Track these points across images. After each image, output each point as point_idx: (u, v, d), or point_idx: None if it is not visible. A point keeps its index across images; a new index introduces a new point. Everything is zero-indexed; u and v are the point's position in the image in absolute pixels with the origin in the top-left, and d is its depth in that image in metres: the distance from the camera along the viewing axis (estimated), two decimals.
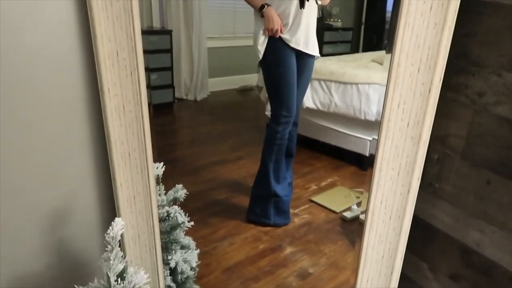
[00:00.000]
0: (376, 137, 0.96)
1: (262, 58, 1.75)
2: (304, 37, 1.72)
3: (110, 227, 0.94)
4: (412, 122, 0.93)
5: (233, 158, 2.59)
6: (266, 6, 1.67)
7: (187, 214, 1.23)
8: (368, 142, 2.35)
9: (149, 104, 1.03)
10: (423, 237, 1.13)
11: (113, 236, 0.94)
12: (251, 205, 1.93)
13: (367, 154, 2.36)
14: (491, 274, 0.99)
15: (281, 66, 1.75)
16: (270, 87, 1.81)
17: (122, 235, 1.09)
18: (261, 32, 1.71)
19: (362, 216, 1.07)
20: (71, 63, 1.00)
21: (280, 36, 1.69)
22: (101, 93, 0.97)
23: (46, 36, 0.95)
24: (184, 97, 3.71)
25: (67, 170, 1.08)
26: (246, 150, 2.53)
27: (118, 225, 0.96)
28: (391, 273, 1.06)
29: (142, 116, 1.01)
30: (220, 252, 1.67)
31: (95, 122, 1.08)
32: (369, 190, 1.00)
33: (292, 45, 1.71)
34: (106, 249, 0.93)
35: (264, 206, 1.89)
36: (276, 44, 1.71)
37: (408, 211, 1.00)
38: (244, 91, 4.17)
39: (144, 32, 3.16)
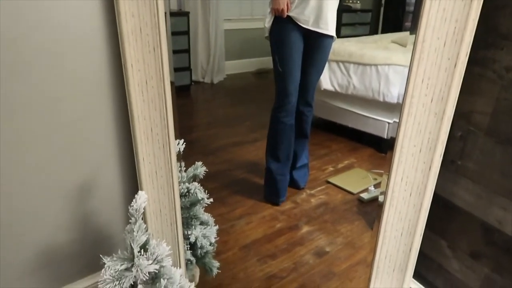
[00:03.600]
0: (397, 120, 0.96)
1: (269, 36, 1.73)
2: (314, 15, 1.66)
3: (134, 200, 0.97)
4: (436, 97, 0.92)
5: (250, 140, 2.60)
6: None
7: (206, 191, 1.25)
8: (387, 125, 2.32)
9: (172, 83, 1.04)
10: (443, 215, 1.12)
11: (137, 209, 0.96)
12: (265, 188, 1.95)
13: (385, 137, 2.34)
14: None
15: (284, 45, 1.71)
16: (274, 65, 1.78)
17: (144, 209, 1.11)
18: (269, 9, 1.69)
19: (381, 198, 1.07)
20: (96, 39, 1.02)
21: (287, 15, 1.66)
22: (124, 69, 0.98)
23: (73, 13, 0.96)
24: (201, 80, 3.72)
25: (92, 145, 1.11)
26: (262, 132, 2.52)
27: (142, 198, 0.98)
28: (410, 250, 1.06)
29: (165, 92, 1.02)
30: (238, 230, 1.70)
31: (119, 98, 1.10)
32: (389, 167, 1.00)
33: (300, 23, 1.67)
34: (130, 221, 0.96)
35: (275, 187, 1.90)
36: (281, 23, 1.67)
37: (429, 188, 0.99)
38: (261, 73, 4.16)
39: None
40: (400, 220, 1.04)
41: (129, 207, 0.95)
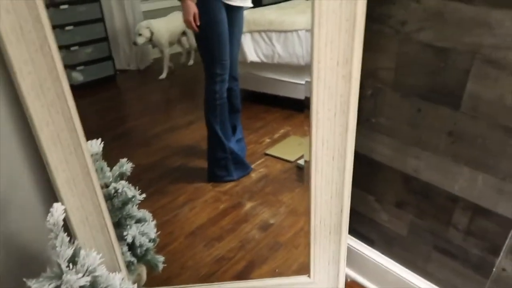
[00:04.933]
0: (309, 80, 0.95)
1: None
2: None
3: (49, 214, 0.90)
4: (342, 60, 0.92)
5: (185, 123, 2.54)
6: None
7: (137, 187, 1.20)
8: None
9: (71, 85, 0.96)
10: (366, 171, 1.17)
11: (54, 223, 0.90)
12: (210, 168, 1.92)
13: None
14: (429, 196, 1.04)
15: (211, 23, 1.68)
16: (202, 46, 1.75)
17: (68, 219, 1.05)
18: None
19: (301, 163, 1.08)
20: None
21: None
22: (12, 73, 0.88)
23: None
24: (126, 68, 3.52)
25: None
26: (197, 113, 2.46)
27: (58, 211, 0.92)
28: (341, 211, 1.09)
29: (64, 91, 0.94)
30: (182, 219, 1.67)
31: (15, 107, 1.00)
32: (309, 134, 1.01)
33: (225, 1, 1.64)
34: (50, 236, 0.89)
35: (224, 166, 1.89)
36: (203, 4, 1.64)
37: (349, 149, 1.02)
38: (189, 52, 4.03)
39: (69, 2, 2.91)
40: (328, 183, 1.07)
41: (46, 222, 0.89)
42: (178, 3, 1.68)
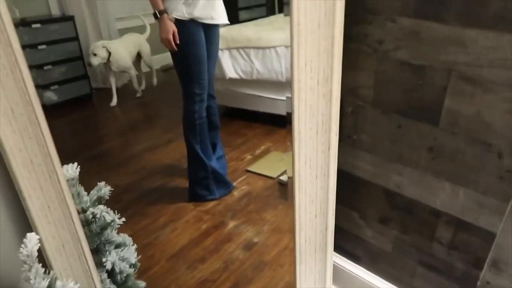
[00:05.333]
0: (289, 95, 0.95)
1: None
2: (205, 8, 1.65)
3: (23, 245, 0.86)
4: (322, 79, 0.93)
5: (164, 142, 2.50)
6: (160, 14, 1.60)
7: (115, 211, 1.16)
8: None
9: (44, 105, 0.93)
10: (350, 188, 1.17)
11: (28, 254, 0.86)
12: (191, 188, 1.89)
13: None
14: (412, 211, 1.05)
15: (188, 43, 1.68)
16: (179, 66, 1.74)
17: (44, 249, 1.00)
18: None
19: (284, 178, 1.07)
20: None
21: (178, 19, 1.62)
22: None
23: None
24: (102, 86, 3.48)
25: None
26: (176, 131, 2.44)
27: (32, 241, 0.88)
28: (326, 229, 1.08)
29: (36, 116, 0.90)
30: (163, 241, 1.63)
31: None
32: (292, 153, 1.00)
33: (199, 20, 1.64)
34: (23, 268, 0.85)
35: (206, 185, 1.87)
36: (180, 25, 1.63)
37: (332, 167, 1.01)
38: (167, 70, 4.00)
39: (42, 21, 2.87)
40: (312, 202, 1.06)
41: (19, 254, 0.84)
42: (153, 20, 1.67)
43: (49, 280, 0.87)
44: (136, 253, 1.23)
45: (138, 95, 3.25)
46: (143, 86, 3.45)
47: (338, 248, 1.27)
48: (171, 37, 1.62)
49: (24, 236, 1.08)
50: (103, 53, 3.02)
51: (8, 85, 0.86)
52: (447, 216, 0.98)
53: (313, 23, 0.87)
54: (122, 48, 3.17)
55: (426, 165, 0.97)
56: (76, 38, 3.26)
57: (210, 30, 1.74)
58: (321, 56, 0.90)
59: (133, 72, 3.22)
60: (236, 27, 2.70)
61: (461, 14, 0.81)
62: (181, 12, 1.62)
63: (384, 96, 0.99)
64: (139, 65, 3.46)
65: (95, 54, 3.01)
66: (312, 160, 1.01)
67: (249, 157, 2.24)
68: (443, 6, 0.83)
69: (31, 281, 0.85)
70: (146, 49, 3.41)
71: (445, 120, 0.90)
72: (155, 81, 3.53)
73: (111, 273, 1.18)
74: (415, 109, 0.94)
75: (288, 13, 0.88)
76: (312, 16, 0.86)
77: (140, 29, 3.59)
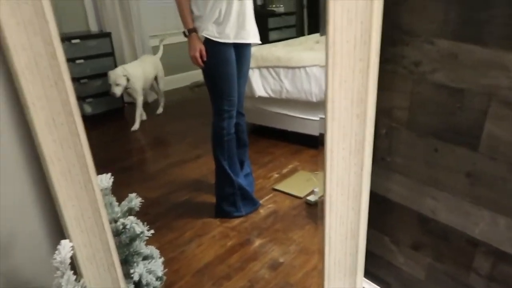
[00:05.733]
0: (323, 116, 0.95)
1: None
2: (236, 28, 1.69)
3: (57, 251, 0.88)
4: (356, 99, 0.92)
5: (192, 157, 2.53)
6: (189, 33, 1.67)
7: (145, 223, 1.17)
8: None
9: (84, 116, 0.96)
10: (382, 211, 1.14)
11: (61, 260, 0.87)
12: (218, 204, 1.89)
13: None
14: (448, 238, 1.01)
15: (219, 61, 1.71)
16: (210, 83, 1.77)
17: (75, 256, 1.02)
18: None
19: (313, 199, 1.06)
20: None
21: (209, 38, 1.66)
22: (25, 108, 0.89)
23: None
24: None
25: (4, 197, 1.00)
26: (204, 147, 2.48)
27: (66, 248, 0.90)
28: (356, 252, 1.06)
29: (76, 127, 0.94)
30: (189, 255, 1.63)
31: (26, 141, 0.99)
32: (323, 173, 0.99)
33: (223, 40, 1.68)
34: (56, 275, 0.87)
35: (232, 202, 1.87)
36: (210, 43, 1.68)
37: (364, 188, 1.00)
38: (197, 87, 4.09)
39: (81, 37, 3.01)
40: (342, 224, 1.04)
41: (52, 260, 0.86)
42: (184, 38, 1.72)
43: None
44: (162, 267, 1.24)
45: (134, 128, 3.07)
46: (160, 109, 3.42)
47: (368, 273, 1.23)
48: (198, 55, 1.67)
49: (56, 243, 1.11)
50: (124, 81, 2.97)
51: (52, 96, 0.90)
52: (486, 246, 0.94)
53: (348, 44, 0.87)
54: (139, 72, 3.13)
55: (463, 190, 0.94)
56: (112, 54, 3.40)
57: (241, 49, 1.77)
58: (356, 77, 0.90)
59: (140, 100, 3.11)
60: (267, 46, 2.74)
61: (502, 38, 0.80)
62: (211, 31, 1.66)
63: (419, 118, 0.97)
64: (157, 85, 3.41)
65: (117, 84, 2.96)
66: (344, 181, 1.00)
67: (276, 175, 2.23)
68: (483, 29, 0.82)
69: (62, 287, 0.86)
70: (161, 71, 3.39)
71: (485, 145, 0.87)
72: (160, 110, 3.44)
73: (138, 285, 1.19)
74: (453, 132, 0.92)
75: (324, 33, 0.88)
76: (348, 36, 0.86)
77: (173, 47, 3.70)
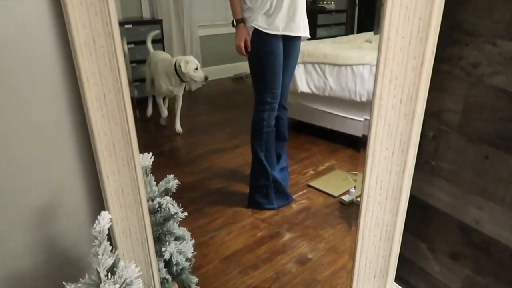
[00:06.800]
0: (368, 117, 0.92)
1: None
2: (285, 20, 1.68)
3: (97, 221, 0.91)
4: (405, 98, 0.89)
5: (230, 147, 2.56)
6: (237, 23, 1.70)
7: (179, 205, 1.20)
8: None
9: (132, 99, 1.00)
10: (420, 216, 1.10)
11: (100, 230, 0.91)
12: (252, 195, 1.91)
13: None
14: (491, 251, 0.96)
15: (266, 52, 1.71)
16: (255, 73, 1.78)
17: (112, 229, 1.06)
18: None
19: (359, 199, 1.04)
20: (47, 53, 0.96)
21: (258, 29, 1.66)
22: (80, 83, 0.93)
23: (20, 26, 0.90)
24: None
25: (52, 165, 1.05)
26: (243, 138, 2.49)
27: (105, 219, 0.93)
28: (389, 255, 1.03)
29: (125, 105, 0.97)
30: (218, 242, 1.65)
31: (76, 114, 1.04)
32: (363, 171, 0.97)
33: (271, 32, 1.67)
34: (94, 243, 0.90)
35: (265, 194, 1.87)
36: (259, 34, 1.68)
37: (405, 191, 0.96)
38: (239, 79, 4.13)
39: (133, 23, 3.11)
40: (378, 225, 1.01)
41: (92, 229, 0.90)
42: (232, 30, 1.74)
43: (114, 259, 0.92)
44: (192, 249, 1.26)
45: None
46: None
47: (400, 278, 1.19)
48: (242, 44, 1.69)
49: (97, 215, 1.16)
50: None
51: (105, 73, 0.93)
52: None
53: (404, 40, 0.84)
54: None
55: None
56: (161, 41, 3.48)
57: (290, 42, 1.76)
58: (408, 74, 0.87)
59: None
60: (314, 42, 2.71)
61: None
62: (261, 22, 1.66)
63: (472, 123, 0.92)
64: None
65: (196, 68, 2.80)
66: (384, 181, 0.97)
67: (311, 172, 2.21)
68: None
69: (99, 256, 0.89)
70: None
71: None
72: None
73: (168, 264, 1.22)
74: (507, 140, 0.87)
75: (378, 32, 0.86)
76: (404, 32, 0.83)
77: (221, 38, 3.74)
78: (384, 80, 0.88)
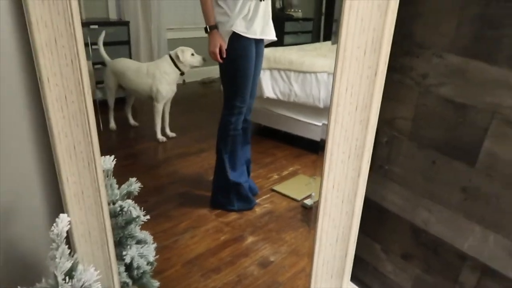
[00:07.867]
0: (326, 122, 0.97)
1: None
2: (262, 24, 1.72)
3: (54, 224, 0.90)
4: (360, 105, 0.94)
5: (196, 151, 2.55)
6: (210, 29, 1.69)
7: (142, 208, 1.19)
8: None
9: (94, 101, 0.99)
10: (375, 218, 1.15)
11: (58, 233, 0.89)
12: (214, 195, 1.92)
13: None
14: (438, 251, 1.02)
15: (241, 56, 1.73)
16: (227, 77, 1.79)
17: (71, 232, 1.04)
18: None
19: (309, 203, 1.08)
20: (7, 52, 0.94)
21: (236, 32, 1.68)
22: (40, 83, 0.91)
23: None
24: None
25: (9, 167, 1.02)
26: (209, 142, 2.49)
27: (63, 222, 0.91)
28: (345, 256, 1.07)
29: (86, 106, 0.96)
30: (181, 245, 1.64)
31: (36, 115, 1.02)
32: (321, 175, 1.01)
33: (250, 36, 1.70)
34: (51, 246, 0.89)
35: (226, 195, 1.89)
36: (237, 38, 1.70)
37: (360, 194, 1.01)
38: (207, 83, 4.12)
39: (99, 23, 3.04)
40: (335, 227, 1.05)
41: (49, 232, 0.88)
42: (200, 34, 1.74)
43: (72, 262, 0.91)
44: (154, 252, 1.26)
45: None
46: None
47: (355, 278, 1.24)
48: (217, 50, 1.69)
49: (55, 218, 1.13)
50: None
51: (67, 74, 0.92)
52: (473, 260, 0.95)
53: (359, 50, 0.89)
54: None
55: (457, 205, 0.95)
56: (128, 42, 3.43)
57: (259, 45, 1.79)
58: (363, 83, 0.92)
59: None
60: (280, 49, 2.76)
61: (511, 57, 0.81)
62: (240, 26, 1.68)
63: (421, 130, 0.98)
64: None
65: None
66: (341, 184, 1.01)
67: (275, 176, 2.25)
68: (494, 47, 0.83)
69: (56, 259, 0.88)
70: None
71: (482, 161, 0.89)
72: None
73: (129, 267, 1.21)
74: (452, 147, 0.93)
75: (336, 42, 0.90)
76: (359, 42, 0.88)
77: (189, 42, 3.72)
78: (341, 88, 0.92)
